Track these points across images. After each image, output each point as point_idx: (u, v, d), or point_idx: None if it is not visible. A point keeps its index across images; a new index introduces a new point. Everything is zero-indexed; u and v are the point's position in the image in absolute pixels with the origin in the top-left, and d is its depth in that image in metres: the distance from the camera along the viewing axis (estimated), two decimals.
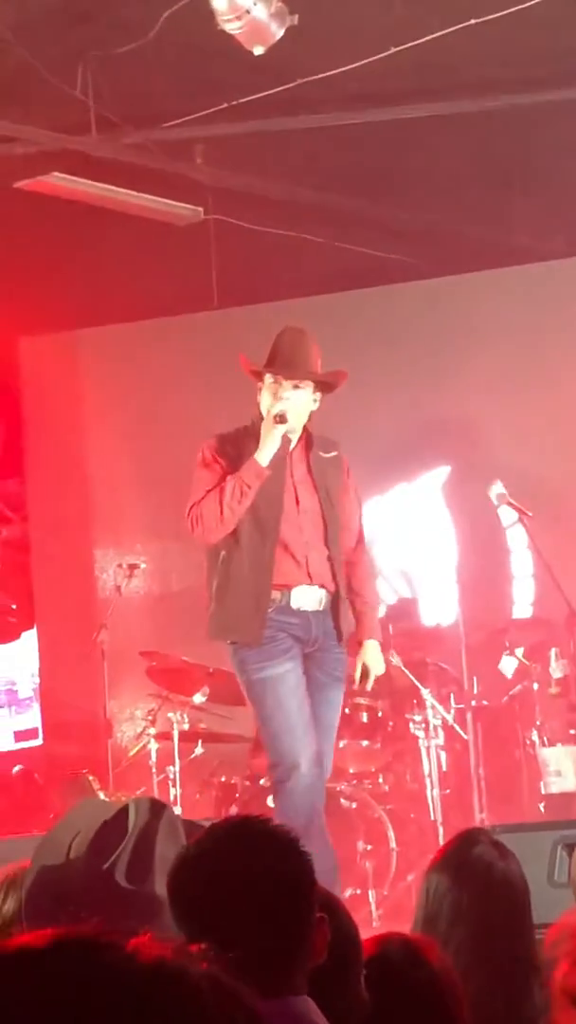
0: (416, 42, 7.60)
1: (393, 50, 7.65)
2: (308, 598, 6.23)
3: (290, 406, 6.13)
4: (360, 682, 6.57)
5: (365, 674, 6.53)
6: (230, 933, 2.40)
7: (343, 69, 7.82)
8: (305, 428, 6.33)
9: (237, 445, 6.33)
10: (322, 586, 6.26)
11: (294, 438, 6.31)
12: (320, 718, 6.20)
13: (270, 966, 2.40)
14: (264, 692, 6.22)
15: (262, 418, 6.23)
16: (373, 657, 6.54)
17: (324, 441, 6.44)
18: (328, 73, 7.88)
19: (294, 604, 6.21)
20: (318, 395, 6.29)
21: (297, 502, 6.30)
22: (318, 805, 6.09)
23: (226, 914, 2.42)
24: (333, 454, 6.44)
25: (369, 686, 6.65)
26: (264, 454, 6.15)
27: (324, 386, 6.31)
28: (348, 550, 6.48)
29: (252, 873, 2.47)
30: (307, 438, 6.35)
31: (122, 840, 3.65)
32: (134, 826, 3.64)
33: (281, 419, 6.10)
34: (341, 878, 6.27)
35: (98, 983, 1.34)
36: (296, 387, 6.20)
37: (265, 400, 6.25)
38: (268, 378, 6.27)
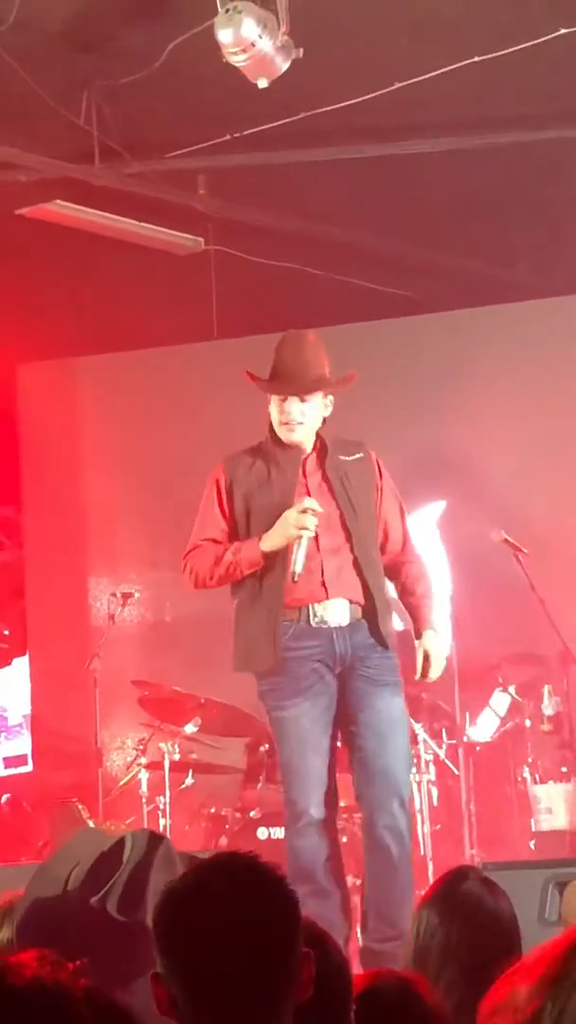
0: (420, 78, 7.64)
1: (397, 85, 7.68)
2: (329, 613, 5.99)
3: (307, 532, 5.90)
4: (422, 675, 6.23)
5: (427, 664, 6.20)
6: (213, 969, 2.39)
7: (347, 103, 7.85)
8: (319, 435, 6.12)
9: (247, 468, 6.19)
10: (345, 598, 6.00)
11: (307, 446, 6.12)
12: (370, 728, 5.96)
13: (254, 1002, 2.38)
14: (280, 732, 6.10)
15: (273, 432, 6.11)
16: (431, 643, 6.22)
17: (345, 444, 6.20)
18: (332, 107, 7.91)
19: (313, 622, 5.98)
20: (330, 399, 6.11)
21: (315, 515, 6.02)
22: (326, 849, 5.98)
23: (209, 950, 2.41)
24: (358, 456, 6.18)
25: (433, 674, 6.24)
26: (268, 544, 5.97)
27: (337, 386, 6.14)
28: (394, 552, 6.25)
29: (235, 909, 2.45)
30: (321, 445, 6.13)
31: (116, 871, 3.63)
32: (129, 858, 3.63)
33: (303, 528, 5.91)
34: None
35: None
36: (304, 400, 6.03)
37: (274, 414, 6.10)
38: (274, 399, 6.12)
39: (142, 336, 10.30)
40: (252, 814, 8.09)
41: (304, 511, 5.88)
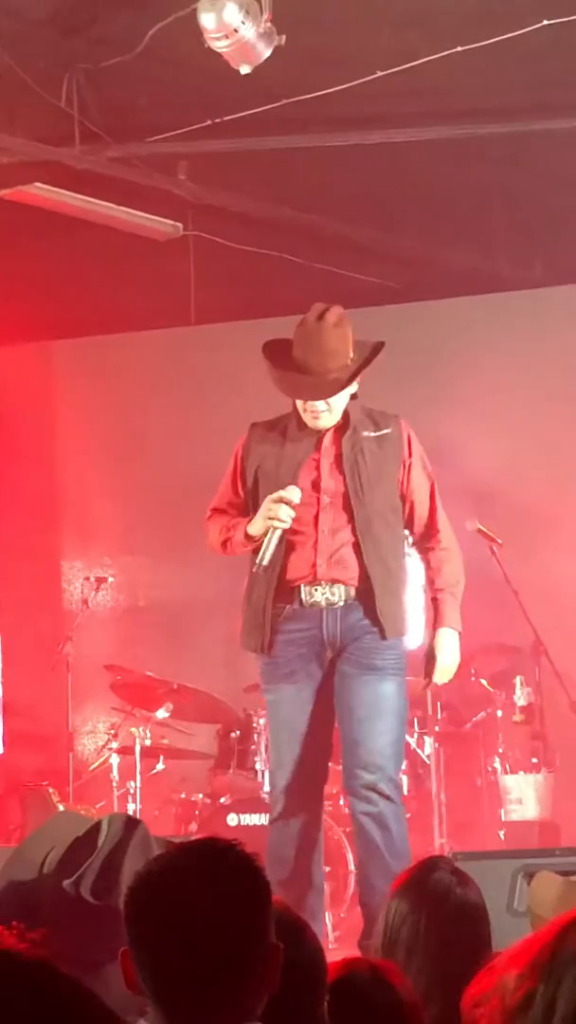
0: (403, 67, 7.62)
1: (380, 74, 7.66)
2: (320, 595, 5.89)
3: (281, 525, 5.83)
4: (425, 675, 6.14)
5: (430, 665, 6.09)
6: (181, 958, 2.38)
7: (329, 91, 7.83)
8: (345, 412, 5.97)
9: (265, 439, 6.06)
10: (337, 580, 5.88)
11: (329, 424, 5.98)
12: (352, 712, 5.88)
13: (218, 988, 2.38)
14: (269, 714, 6.13)
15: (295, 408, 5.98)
16: (442, 646, 6.09)
17: (372, 418, 6.05)
18: (314, 94, 7.88)
19: (306, 603, 5.90)
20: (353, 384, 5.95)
21: (318, 493, 5.95)
22: (296, 840, 5.92)
23: (177, 939, 2.40)
24: (386, 430, 6.02)
25: (438, 678, 6.12)
26: (252, 528, 5.92)
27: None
28: (420, 533, 6.15)
29: (203, 894, 2.44)
30: (343, 420, 5.98)
31: (91, 855, 3.64)
32: (104, 842, 3.63)
33: (271, 535, 5.86)
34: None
35: None
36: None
37: (298, 403, 5.97)
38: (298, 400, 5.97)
39: (119, 320, 10.29)
40: (222, 800, 8.11)
41: (279, 500, 5.83)
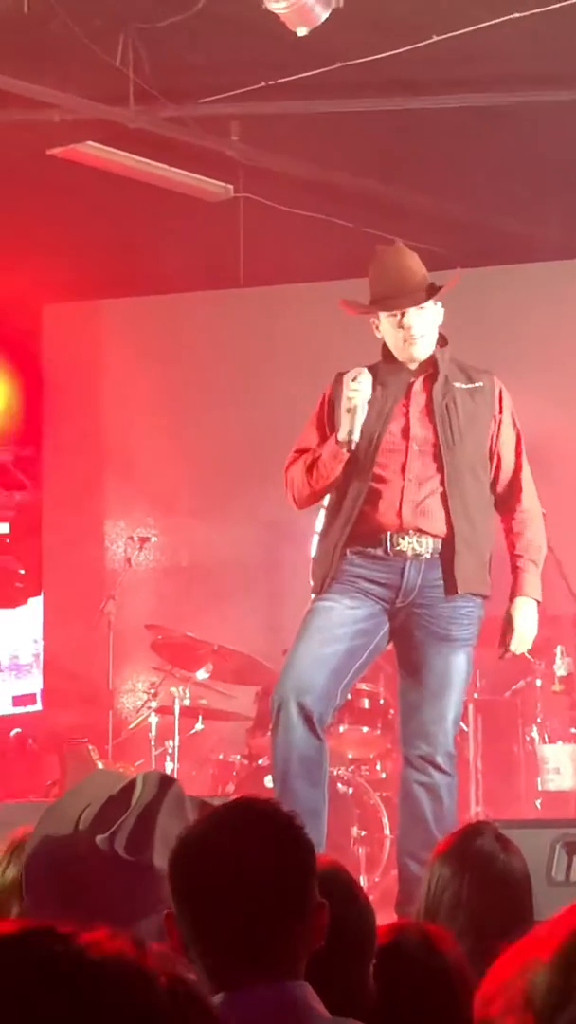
0: (458, 32, 7.59)
1: (435, 39, 7.63)
2: (406, 543, 5.71)
3: (359, 396, 5.69)
4: (501, 645, 5.95)
5: (507, 634, 5.91)
6: (225, 916, 2.41)
7: (384, 55, 7.80)
8: (433, 357, 5.84)
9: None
10: (423, 531, 5.71)
11: (424, 352, 5.82)
12: (420, 680, 5.76)
13: (263, 949, 2.41)
14: (309, 615, 5.83)
15: (387, 353, 5.84)
16: (519, 615, 5.89)
17: (465, 370, 5.90)
18: (369, 58, 7.86)
19: (391, 549, 5.72)
20: (439, 304, 5.83)
21: (407, 440, 5.79)
22: (303, 750, 5.63)
23: (222, 897, 2.43)
24: (478, 384, 5.87)
25: (515, 647, 5.92)
26: (342, 432, 5.70)
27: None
28: (503, 493, 5.97)
29: (249, 856, 2.47)
30: (433, 368, 5.83)
31: (124, 812, 3.67)
32: (139, 799, 3.66)
33: (352, 411, 5.69)
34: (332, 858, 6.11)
35: (46, 973, 1.35)
36: (421, 307, 5.76)
37: (389, 336, 5.81)
38: (383, 316, 5.80)
39: (168, 281, 10.29)
40: (260, 762, 8.14)
41: (354, 379, 5.71)
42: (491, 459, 5.95)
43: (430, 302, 5.80)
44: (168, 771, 8.43)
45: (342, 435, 5.70)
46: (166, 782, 3.74)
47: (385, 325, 5.85)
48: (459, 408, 5.82)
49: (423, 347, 5.83)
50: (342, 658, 5.76)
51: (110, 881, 3.53)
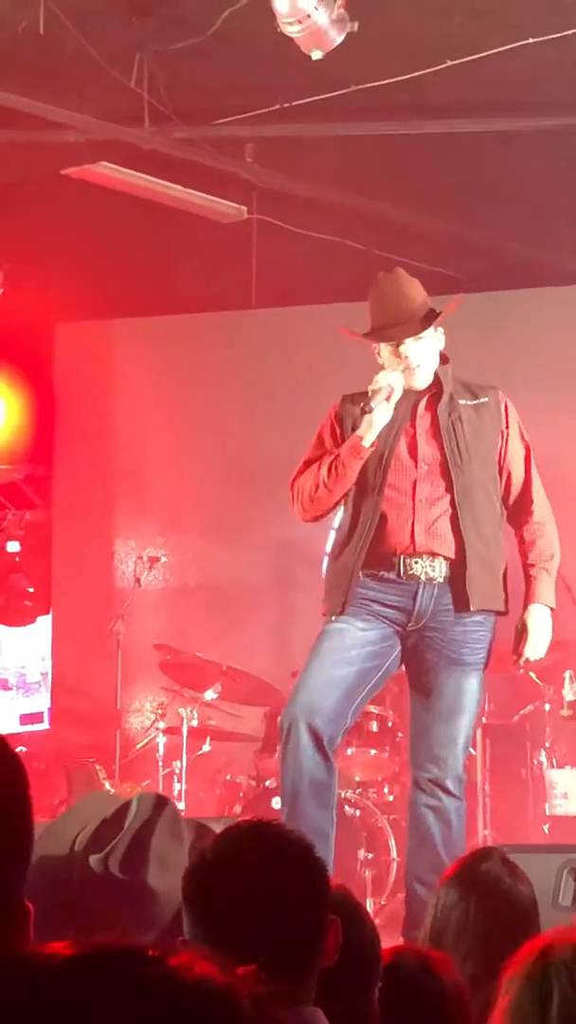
0: (473, 57, 7.61)
1: (449, 63, 7.65)
2: (419, 567, 5.73)
3: (387, 381, 5.68)
4: (514, 651, 5.93)
5: (521, 641, 5.90)
6: (242, 939, 2.42)
7: (398, 79, 7.83)
8: (437, 375, 5.87)
9: (359, 406, 5.83)
10: (436, 553, 5.74)
11: (423, 380, 5.84)
12: (432, 704, 5.76)
13: (279, 970, 2.41)
14: (321, 638, 5.82)
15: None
16: (532, 622, 5.90)
17: (469, 388, 5.94)
18: (383, 82, 7.88)
19: (403, 573, 5.73)
20: (440, 329, 5.86)
21: (416, 460, 5.82)
22: (313, 772, 5.63)
23: (239, 920, 2.44)
24: (483, 400, 5.90)
25: (529, 654, 5.91)
26: (368, 435, 5.69)
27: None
28: (514, 504, 6.00)
29: (263, 878, 2.48)
30: (438, 387, 5.87)
31: (119, 833, 3.67)
32: (133, 820, 3.66)
33: (371, 406, 5.65)
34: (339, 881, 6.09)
35: (146, 994, 1.35)
36: (419, 338, 5.79)
37: (389, 365, 5.80)
38: (384, 347, 5.83)
39: (180, 301, 10.31)
40: (268, 783, 8.13)
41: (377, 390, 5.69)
42: (500, 474, 5.97)
43: (429, 329, 5.82)
44: (175, 792, 8.43)
45: (364, 428, 5.70)
46: (160, 803, 3.75)
47: (385, 353, 5.87)
48: (465, 425, 5.84)
49: (422, 376, 5.86)
50: (354, 680, 5.76)
51: (105, 901, 3.54)
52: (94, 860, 3.63)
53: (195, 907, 2.49)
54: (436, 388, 5.89)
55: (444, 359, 5.96)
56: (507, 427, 5.96)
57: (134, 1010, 1.33)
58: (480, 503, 5.85)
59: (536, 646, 5.96)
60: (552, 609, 6.03)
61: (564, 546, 8.24)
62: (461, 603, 5.76)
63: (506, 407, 5.99)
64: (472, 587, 5.75)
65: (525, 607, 5.97)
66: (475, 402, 5.91)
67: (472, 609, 5.77)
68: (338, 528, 5.97)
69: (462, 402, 5.89)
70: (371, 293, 5.95)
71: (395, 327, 5.82)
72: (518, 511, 6.03)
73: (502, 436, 5.95)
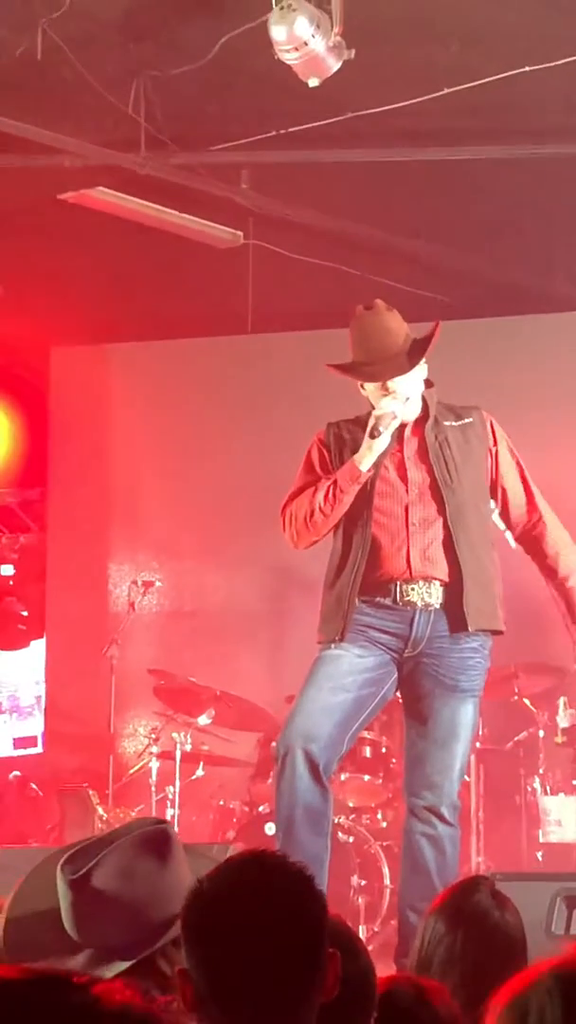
0: (469, 84, 7.64)
1: (446, 91, 7.68)
2: (416, 594, 5.72)
3: (391, 407, 5.69)
4: None
5: None
6: (240, 968, 2.41)
7: (394, 106, 7.85)
8: (423, 399, 5.85)
9: (345, 434, 5.87)
10: (431, 577, 5.73)
11: (410, 415, 5.83)
12: (427, 731, 5.74)
13: (280, 1002, 2.41)
14: (318, 664, 5.79)
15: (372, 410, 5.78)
16: None
17: (453, 410, 5.92)
18: (379, 109, 7.91)
19: (400, 600, 5.72)
20: (422, 361, 5.81)
21: (406, 484, 5.80)
22: (308, 799, 5.63)
23: (236, 949, 2.43)
24: (467, 420, 5.88)
25: None
26: (366, 460, 5.69)
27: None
28: (521, 522, 5.97)
29: (263, 909, 2.47)
30: (424, 414, 5.85)
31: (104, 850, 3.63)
32: (108, 834, 3.62)
33: (379, 431, 5.66)
34: (334, 911, 6.05)
35: (63, 1020, 1.37)
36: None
37: (375, 399, 5.78)
38: (370, 386, 5.81)
39: (176, 326, 10.32)
40: (261, 809, 8.12)
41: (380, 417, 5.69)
42: (495, 491, 5.96)
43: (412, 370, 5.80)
44: (168, 817, 8.41)
45: (363, 453, 5.70)
46: (148, 824, 3.70)
47: (370, 388, 5.85)
48: (452, 447, 5.84)
49: (410, 409, 5.85)
50: (350, 707, 5.74)
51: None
52: (72, 877, 3.59)
53: (191, 936, 2.48)
54: (422, 412, 5.89)
55: (428, 383, 5.95)
56: (495, 444, 5.95)
57: None
58: (473, 523, 5.83)
59: None
60: None
61: None
62: (458, 624, 5.75)
63: (491, 424, 5.97)
64: (469, 607, 5.73)
65: (572, 625, 6.02)
66: (460, 423, 5.90)
67: (471, 629, 5.75)
68: (331, 556, 5.94)
69: (447, 424, 5.88)
70: (352, 328, 5.92)
71: (381, 364, 5.80)
72: (529, 527, 6.01)
73: (491, 454, 5.94)
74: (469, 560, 5.76)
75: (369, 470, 5.74)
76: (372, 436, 5.69)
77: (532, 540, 6.03)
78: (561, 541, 6.03)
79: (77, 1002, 1.39)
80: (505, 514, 6.00)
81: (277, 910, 2.46)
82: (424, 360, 5.85)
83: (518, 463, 6.03)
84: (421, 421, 5.88)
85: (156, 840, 3.19)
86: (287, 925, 2.44)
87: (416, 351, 5.82)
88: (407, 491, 5.82)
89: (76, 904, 3.08)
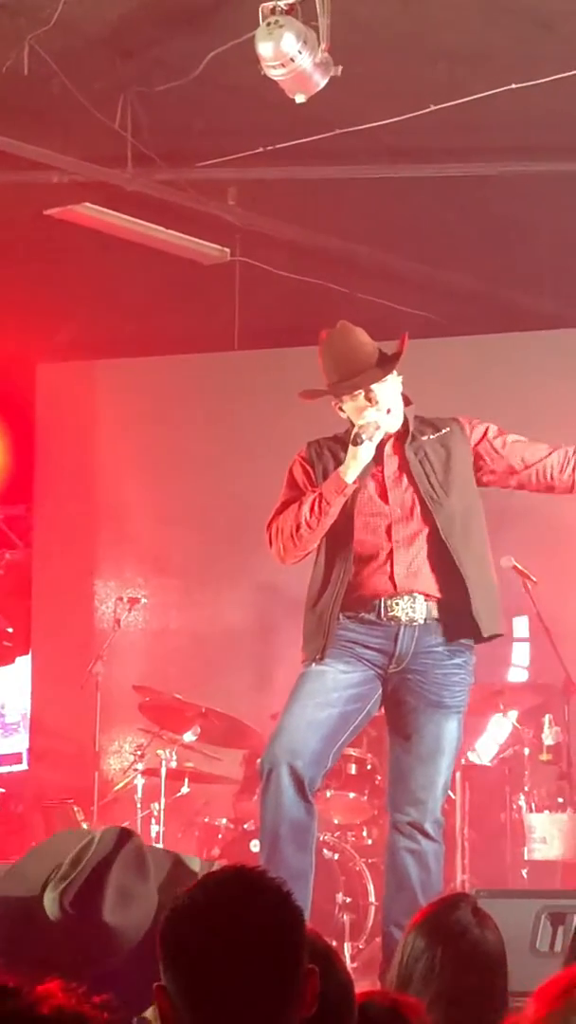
0: (456, 102, 7.65)
1: (433, 108, 7.69)
2: (400, 609, 5.70)
3: (374, 417, 5.68)
4: None
5: None
6: (217, 984, 2.40)
7: (381, 123, 7.86)
8: (405, 420, 5.84)
9: (326, 452, 5.86)
10: (416, 591, 5.72)
11: (392, 426, 5.81)
12: (412, 747, 5.72)
13: (258, 1018, 2.39)
14: (301, 680, 5.77)
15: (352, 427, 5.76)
16: None
17: (431, 423, 5.91)
18: (366, 126, 7.92)
19: (384, 615, 5.70)
20: (395, 373, 5.80)
21: (388, 503, 5.79)
22: (293, 815, 5.61)
23: (217, 968, 2.42)
24: (444, 431, 5.87)
25: None
26: (351, 471, 5.67)
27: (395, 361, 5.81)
28: (528, 457, 5.86)
29: (240, 925, 2.46)
30: (403, 431, 5.84)
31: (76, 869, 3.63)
32: (93, 854, 3.63)
33: (361, 439, 5.64)
34: (319, 929, 6.04)
35: None
36: (383, 381, 5.74)
37: (356, 417, 5.76)
38: (347, 400, 5.79)
39: (163, 342, 10.32)
40: (246, 826, 8.09)
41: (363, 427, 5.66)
42: (488, 458, 5.89)
43: (387, 379, 5.79)
44: (153, 834, 8.39)
45: (347, 464, 5.68)
46: (123, 837, 3.70)
47: (350, 407, 5.83)
48: (433, 461, 5.83)
49: (393, 420, 5.84)
50: (335, 723, 5.73)
51: (55, 939, 3.50)
52: (48, 899, 3.59)
53: (168, 952, 2.46)
54: (402, 429, 5.88)
55: (407, 400, 5.95)
56: (474, 431, 5.92)
57: None
58: (467, 531, 5.82)
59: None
60: None
61: (546, 589, 8.28)
62: (460, 632, 5.74)
63: (469, 423, 5.94)
64: (481, 616, 5.71)
65: None
66: (438, 435, 5.89)
67: (485, 636, 5.74)
68: (313, 577, 5.91)
69: (425, 438, 5.87)
70: (322, 350, 5.93)
71: (358, 376, 5.79)
72: (536, 456, 5.91)
73: (479, 444, 5.91)
74: (470, 568, 5.75)
75: (355, 482, 5.73)
76: (355, 444, 5.68)
77: (547, 464, 5.91)
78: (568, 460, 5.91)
79: (11, 1009, 1.39)
80: (526, 470, 5.92)
81: (254, 925, 2.44)
82: (397, 373, 5.84)
83: (502, 435, 5.95)
84: (400, 438, 5.87)
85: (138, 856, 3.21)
86: (264, 940, 2.43)
87: (387, 360, 5.83)
88: (390, 511, 5.81)
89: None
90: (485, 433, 5.94)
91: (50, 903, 3.53)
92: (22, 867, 3.72)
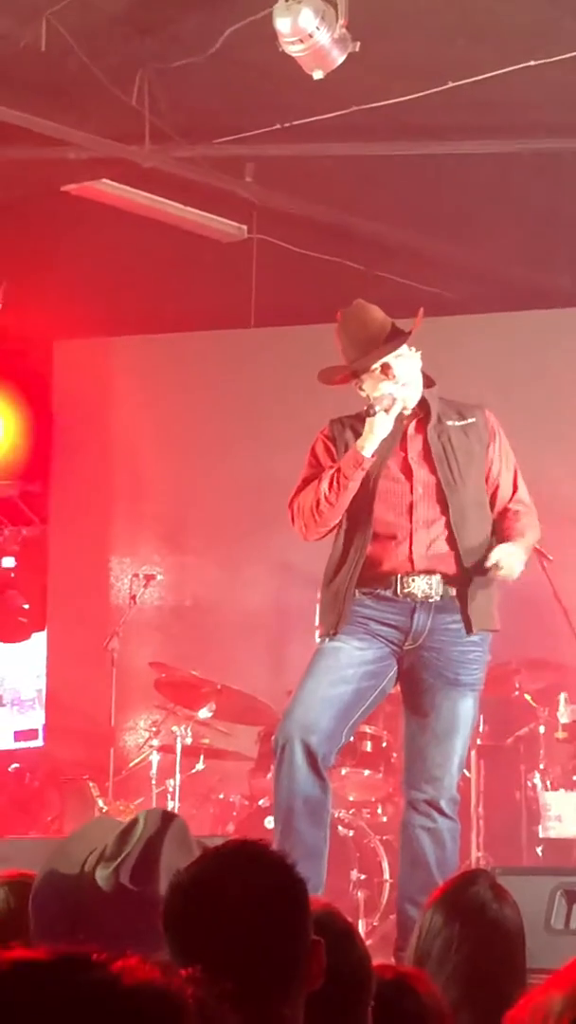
0: (474, 78, 7.62)
1: (451, 84, 7.67)
2: (416, 586, 5.71)
3: (390, 389, 5.69)
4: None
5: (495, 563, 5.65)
6: (221, 959, 2.40)
7: (400, 100, 7.84)
8: (424, 398, 5.85)
9: (350, 430, 5.85)
10: (433, 571, 5.72)
11: (410, 400, 5.82)
12: (428, 725, 5.75)
13: (264, 994, 2.39)
14: (317, 656, 5.79)
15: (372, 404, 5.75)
16: (504, 552, 5.67)
17: (457, 408, 5.94)
18: (384, 102, 7.89)
19: (400, 592, 5.71)
20: (415, 349, 5.83)
21: (411, 483, 5.79)
22: (307, 790, 5.62)
23: (217, 940, 2.42)
24: (470, 420, 5.89)
25: (496, 568, 5.63)
26: (368, 444, 5.68)
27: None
28: (502, 506, 5.92)
29: (242, 898, 2.46)
30: (425, 410, 5.85)
31: (128, 845, 3.65)
32: (142, 832, 3.65)
33: (375, 410, 5.64)
34: (330, 903, 6.04)
35: (82, 1000, 1.40)
36: (397, 356, 5.76)
37: (374, 389, 5.77)
38: (367, 379, 5.80)
39: (179, 320, 10.31)
40: (261, 803, 8.11)
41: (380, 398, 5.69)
42: (488, 489, 5.95)
43: (406, 348, 5.80)
44: (168, 809, 8.40)
45: (365, 437, 5.70)
46: (168, 817, 3.73)
47: (369, 384, 5.85)
48: (455, 448, 5.84)
49: (410, 394, 5.84)
50: (350, 699, 5.74)
51: (118, 914, 3.52)
52: (102, 875, 3.61)
53: (172, 927, 2.47)
54: (424, 411, 5.88)
55: (430, 381, 5.95)
56: (494, 443, 5.95)
57: (72, 1015, 1.37)
58: (475, 523, 5.84)
59: (506, 562, 5.69)
60: (526, 555, 5.90)
61: (562, 572, 8.26)
62: (465, 625, 5.75)
63: (493, 425, 5.98)
64: (473, 610, 5.74)
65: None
66: (463, 423, 5.90)
67: (474, 631, 5.75)
68: (332, 553, 5.92)
69: (450, 423, 5.88)
70: (339, 330, 5.96)
71: (373, 352, 5.81)
72: (505, 507, 5.96)
73: (489, 455, 5.95)
74: (469, 563, 5.76)
75: (372, 455, 5.72)
76: (370, 415, 5.68)
77: (502, 518, 5.95)
78: (516, 516, 5.94)
79: (94, 980, 1.41)
80: (491, 506, 5.96)
81: (253, 896, 2.45)
82: (416, 349, 5.85)
83: (512, 464, 6.02)
84: (424, 420, 5.87)
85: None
86: (266, 913, 2.44)
87: (400, 332, 5.85)
88: (411, 490, 5.81)
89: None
90: (496, 450, 5.96)
91: (104, 879, 3.54)
92: (65, 847, 3.74)
